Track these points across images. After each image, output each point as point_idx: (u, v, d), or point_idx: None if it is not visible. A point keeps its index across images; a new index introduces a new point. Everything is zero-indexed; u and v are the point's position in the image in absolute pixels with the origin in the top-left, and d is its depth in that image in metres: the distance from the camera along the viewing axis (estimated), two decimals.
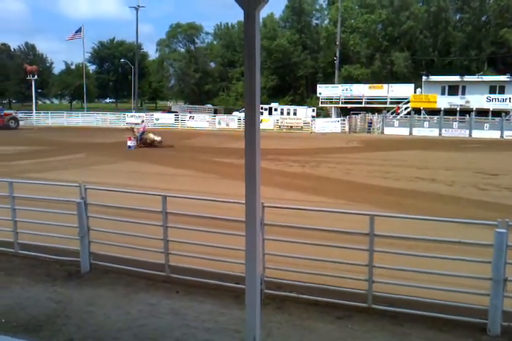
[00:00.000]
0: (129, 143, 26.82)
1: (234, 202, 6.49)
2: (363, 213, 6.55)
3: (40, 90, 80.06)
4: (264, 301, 5.82)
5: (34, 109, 50.87)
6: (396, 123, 41.42)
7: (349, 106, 48.69)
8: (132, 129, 27.98)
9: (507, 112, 41.20)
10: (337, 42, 57.45)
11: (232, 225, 6.50)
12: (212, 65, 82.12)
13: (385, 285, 6.12)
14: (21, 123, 44.53)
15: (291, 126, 43.76)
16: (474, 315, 5.56)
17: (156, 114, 50.74)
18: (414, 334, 5.44)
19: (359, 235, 6.31)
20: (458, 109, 43.37)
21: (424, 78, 46.83)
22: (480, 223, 6.53)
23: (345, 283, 6.24)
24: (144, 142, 27.41)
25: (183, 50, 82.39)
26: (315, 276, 6.40)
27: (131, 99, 78.11)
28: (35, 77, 50.25)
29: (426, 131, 39.53)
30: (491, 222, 5.65)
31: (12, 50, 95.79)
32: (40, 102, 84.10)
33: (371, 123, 42.19)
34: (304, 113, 48.91)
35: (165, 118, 47.92)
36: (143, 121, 30.68)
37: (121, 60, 79.54)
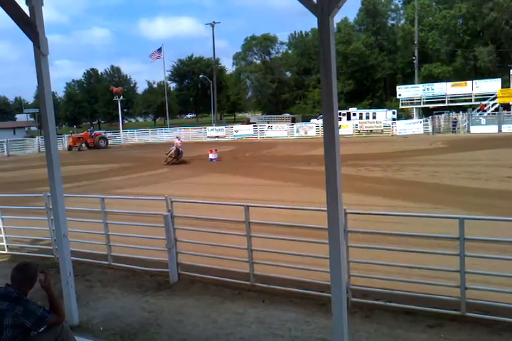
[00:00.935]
0: (211, 155, 27.53)
1: (316, 210, 6.45)
2: (451, 216, 6.28)
3: (125, 110, 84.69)
4: (350, 310, 5.72)
5: (121, 128, 53.68)
6: (483, 120, 39.25)
7: (431, 106, 47.01)
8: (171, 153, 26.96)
9: None
10: (415, 42, 55.76)
11: (316, 233, 6.46)
12: (288, 74, 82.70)
13: (478, 292, 5.79)
14: (110, 142, 47.12)
15: (371, 130, 42.86)
16: None
17: (236, 126, 51.75)
18: None
19: (448, 240, 6.03)
20: None
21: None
22: None
23: (434, 290, 5.98)
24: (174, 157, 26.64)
25: (258, 61, 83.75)
26: (402, 283, 6.21)
27: (210, 113, 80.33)
28: (121, 97, 53.08)
29: None
30: None
31: (100, 74, 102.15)
32: (126, 121, 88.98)
33: (456, 122, 40.30)
34: (384, 116, 47.78)
35: (244, 130, 48.75)
36: (178, 137, 30.86)
37: (200, 76, 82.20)
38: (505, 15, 57.49)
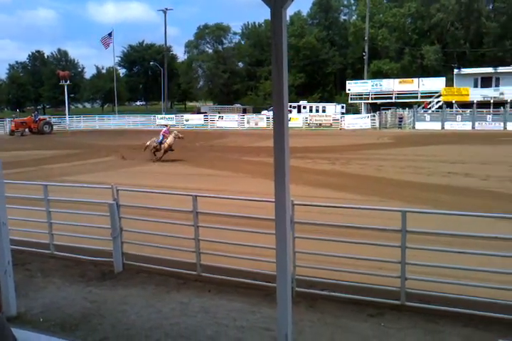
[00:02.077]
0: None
1: (264, 201, 6.48)
2: (394, 209, 6.46)
3: (72, 95, 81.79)
4: (295, 299, 5.79)
5: (67, 114, 52.00)
6: (427, 117, 40.64)
7: (379, 101, 48.07)
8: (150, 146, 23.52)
9: None
10: (365, 38, 56.81)
11: (263, 224, 6.49)
12: (241, 64, 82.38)
13: (418, 282, 6.01)
14: (55, 127, 45.57)
15: (321, 124, 43.50)
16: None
17: (186, 115, 51.20)
18: (449, 332, 5.32)
19: (391, 232, 6.21)
20: (491, 101, 42.24)
21: (455, 71, 45.89)
22: None
23: (377, 281, 6.16)
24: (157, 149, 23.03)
25: (211, 50, 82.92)
26: (346, 274, 6.35)
27: (161, 101, 79.05)
28: (68, 82, 51.33)
29: (458, 124, 38.69)
30: None
31: (46, 56, 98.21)
32: (72, 107, 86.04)
33: (402, 118, 41.54)
34: (333, 110, 48.56)
35: (194, 119, 48.32)
36: (167, 125, 29.74)
37: (151, 63, 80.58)
38: (451, 16, 59.39)
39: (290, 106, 49.75)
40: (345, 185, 15.15)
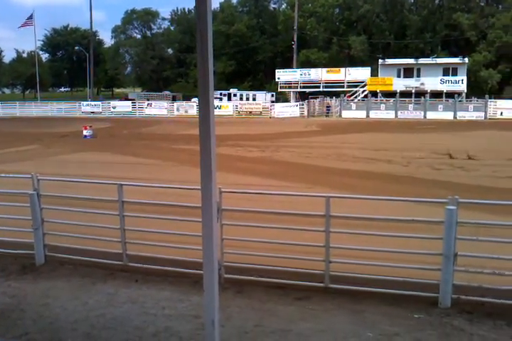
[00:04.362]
0: (85, 132, 26.27)
1: (190, 189, 6.44)
2: (319, 195, 6.62)
3: None
4: (223, 286, 5.86)
5: None
6: (353, 106, 41.92)
7: (307, 90, 48.90)
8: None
9: (459, 94, 42.34)
10: (294, 27, 57.42)
11: (191, 212, 6.46)
12: (170, 51, 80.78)
13: (342, 265, 6.23)
14: None
15: (251, 112, 43.71)
16: (427, 290, 5.73)
17: (113, 102, 49.70)
18: (371, 311, 5.57)
19: (317, 217, 6.38)
20: (413, 91, 44.18)
21: (380, 61, 47.43)
22: (432, 201, 6.74)
23: (304, 265, 6.32)
24: None
25: (139, 36, 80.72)
26: (274, 259, 6.45)
27: (86, 88, 76.15)
28: None
29: (383, 113, 40.19)
30: (442, 199, 5.80)
31: None
32: None
33: (329, 107, 42.63)
34: (263, 98, 48.95)
35: (122, 107, 47.00)
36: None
37: (76, 48, 77.34)
38: (377, 8, 61.26)
39: (220, 94, 49.60)
40: (274, 172, 15.36)
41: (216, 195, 5.02)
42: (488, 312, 5.42)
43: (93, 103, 48.98)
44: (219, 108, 41.58)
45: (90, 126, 26.83)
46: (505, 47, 49.57)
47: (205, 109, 4.25)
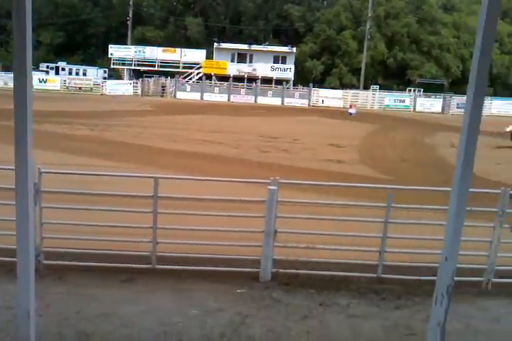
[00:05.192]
0: None
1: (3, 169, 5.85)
2: (146, 176, 6.53)
3: None
4: (42, 273, 5.50)
5: None
6: (188, 88, 42.14)
7: (142, 68, 47.63)
8: None
9: (287, 81, 45.02)
10: (130, 3, 55.21)
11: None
12: None
13: (171, 246, 6.25)
14: None
15: (80, 88, 41.36)
16: (250, 266, 6.06)
17: None
18: (197, 289, 5.71)
19: (145, 198, 6.27)
20: (246, 76, 45.75)
21: (215, 45, 48.09)
22: (257, 182, 7.09)
23: (131, 247, 6.21)
24: None
25: None
26: (99, 242, 6.21)
27: None
28: None
29: (216, 96, 41.08)
30: (265, 180, 6.13)
31: None
32: None
33: (164, 87, 42.19)
34: (95, 74, 46.45)
35: None
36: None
37: None
38: None
39: (47, 67, 45.82)
40: (104, 152, 14.77)
41: (34, 175, 4.65)
42: (302, 283, 5.93)
43: None
44: (44, 82, 38.49)
45: None
46: (328, 41, 53.58)
47: (20, 79, 3.87)
